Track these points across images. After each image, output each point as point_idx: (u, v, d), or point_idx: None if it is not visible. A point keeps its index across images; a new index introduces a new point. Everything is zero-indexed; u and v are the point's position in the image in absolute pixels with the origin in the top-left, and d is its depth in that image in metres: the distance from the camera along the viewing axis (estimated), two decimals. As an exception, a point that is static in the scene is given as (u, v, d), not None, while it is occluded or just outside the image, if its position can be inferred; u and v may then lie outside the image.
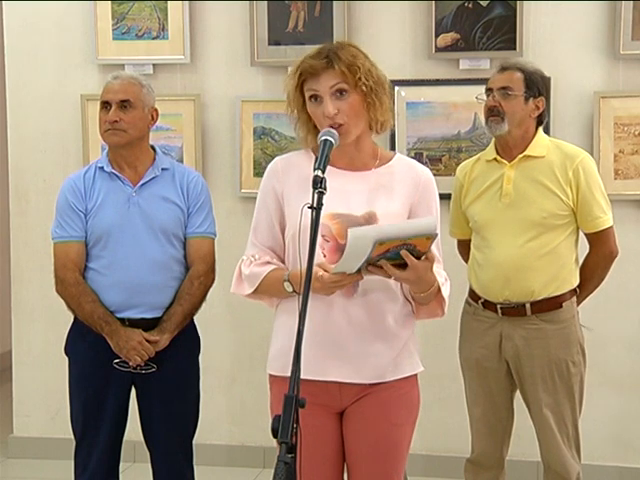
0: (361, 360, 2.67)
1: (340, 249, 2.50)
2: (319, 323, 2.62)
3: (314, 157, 2.72)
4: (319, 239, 2.43)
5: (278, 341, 2.75)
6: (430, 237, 2.47)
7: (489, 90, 3.53)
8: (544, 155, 3.49)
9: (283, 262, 2.75)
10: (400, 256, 2.47)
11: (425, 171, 2.80)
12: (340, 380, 2.68)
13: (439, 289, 2.65)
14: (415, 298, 2.68)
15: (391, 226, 2.52)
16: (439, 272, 2.68)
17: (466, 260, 3.70)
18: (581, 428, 3.55)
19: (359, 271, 2.52)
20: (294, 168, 2.76)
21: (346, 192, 2.61)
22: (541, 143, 3.52)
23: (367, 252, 2.43)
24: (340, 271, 2.52)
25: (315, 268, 2.40)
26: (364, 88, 2.64)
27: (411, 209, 2.72)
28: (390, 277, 2.54)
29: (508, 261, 3.45)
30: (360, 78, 2.62)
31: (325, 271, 2.53)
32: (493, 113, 3.49)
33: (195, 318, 3.49)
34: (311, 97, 2.66)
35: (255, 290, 2.73)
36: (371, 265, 2.50)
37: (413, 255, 2.48)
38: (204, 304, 3.48)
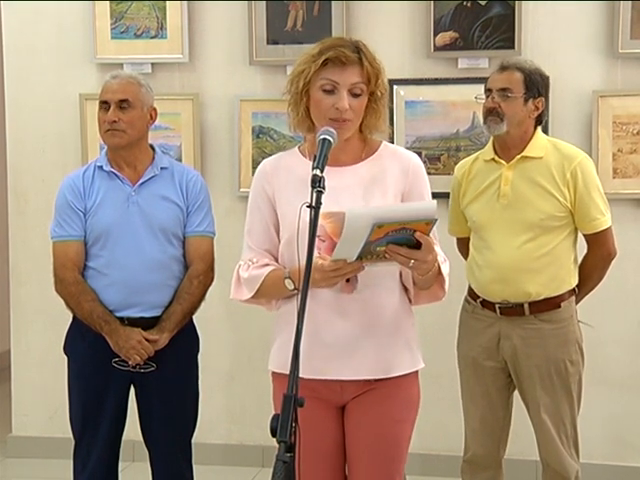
0: (362, 357, 2.67)
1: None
2: (318, 321, 2.62)
3: (302, 158, 2.72)
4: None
5: (280, 338, 2.74)
6: (430, 222, 2.42)
7: (488, 91, 3.51)
8: (542, 156, 3.48)
9: None
10: (401, 242, 2.42)
11: (413, 157, 2.78)
12: (342, 378, 2.68)
13: (439, 270, 2.63)
14: (417, 282, 2.65)
15: (390, 207, 2.49)
16: (438, 252, 2.64)
17: (466, 258, 3.70)
18: (580, 427, 3.55)
19: (360, 259, 2.47)
20: (283, 169, 2.75)
21: (336, 189, 2.58)
22: (539, 144, 3.51)
23: (365, 235, 2.37)
24: (339, 257, 2.47)
25: (314, 259, 2.37)
26: (379, 94, 2.65)
27: (403, 198, 2.71)
28: (408, 262, 2.47)
29: (506, 262, 3.44)
30: (379, 85, 2.65)
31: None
32: (492, 114, 3.48)
33: (194, 317, 3.49)
34: (324, 86, 2.63)
35: (255, 293, 2.72)
36: (389, 247, 2.43)
37: (411, 242, 2.44)
38: (203, 303, 3.48)
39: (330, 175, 2.46)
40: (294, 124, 2.73)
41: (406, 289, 2.75)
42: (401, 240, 2.44)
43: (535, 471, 4.42)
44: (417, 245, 2.46)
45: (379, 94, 2.67)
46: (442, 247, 2.77)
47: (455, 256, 3.73)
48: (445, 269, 2.67)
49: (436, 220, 2.44)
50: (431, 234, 2.53)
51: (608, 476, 4.55)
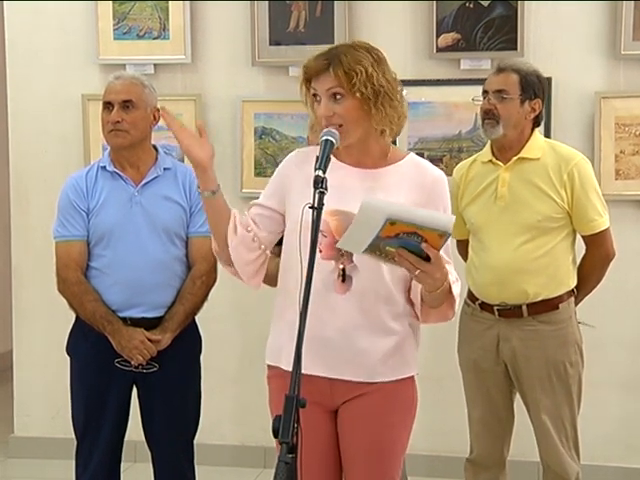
0: (350, 357, 2.66)
1: None
2: (311, 319, 2.59)
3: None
4: None
5: (274, 331, 2.76)
6: (443, 234, 2.38)
7: (485, 92, 3.52)
8: (539, 157, 3.48)
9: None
10: (414, 250, 2.40)
11: (434, 172, 2.74)
12: (327, 376, 2.67)
13: (450, 289, 2.60)
14: (426, 299, 2.63)
15: (408, 207, 2.46)
16: (450, 271, 2.61)
17: (466, 260, 3.70)
18: (581, 428, 3.56)
19: (369, 253, 2.43)
20: (307, 164, 2.71)
21: (344, 187, 2.59)
22: (536, 145, 3.50)
23: (377, 228, 2.33)
24: (344, 247, 2.46)
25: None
26: (358, 95, 2.61)
27: None
28: (414, 270, 2.46)
29: (503, 264, 3.44)
30: (355, 84, 2.59)
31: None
32: (488, 116, 3.47)
33: (197, 318, 3.50)
34: (314, 95, 2.67)
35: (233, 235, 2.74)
36: (400, 250, 2.41)
37: (422, 254, 2.41)
38: (206, 303, 3.48)
39: (343, 172, 2.49)
40: (316, 128, 2.76)
41: (412, 304, 2.72)
42: (413, 248, 2.41)
43: (537, 472, 4.41)
44: (428, 258, 2.44)
45: (359, 95, 2.60)
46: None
47: (455, 259, 3.73)
48: (456, 289, 2.63)
49: (449, 235, 2.40)
50: (445, 255, 2.52)
51: (609, 478, 4.55)
